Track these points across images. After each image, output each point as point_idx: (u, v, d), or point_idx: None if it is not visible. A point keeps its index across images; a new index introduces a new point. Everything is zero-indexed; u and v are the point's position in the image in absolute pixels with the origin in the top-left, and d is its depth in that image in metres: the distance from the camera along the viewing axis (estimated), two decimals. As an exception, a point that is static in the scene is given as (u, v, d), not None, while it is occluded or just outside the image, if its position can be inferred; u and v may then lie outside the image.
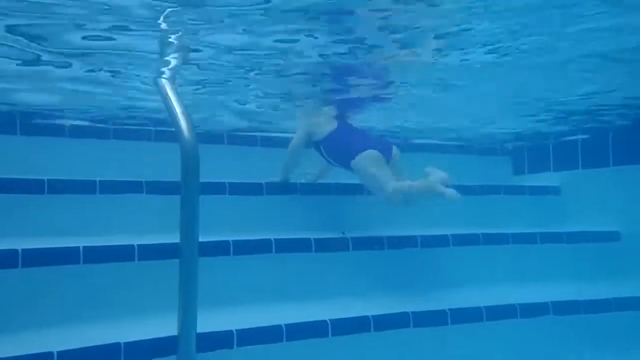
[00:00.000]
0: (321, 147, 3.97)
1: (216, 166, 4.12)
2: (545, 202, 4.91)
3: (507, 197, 4.84)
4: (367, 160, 3.64)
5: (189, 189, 2.66)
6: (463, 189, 4.64)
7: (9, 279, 2.87)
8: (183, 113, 2.72)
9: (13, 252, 2.90)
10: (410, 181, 3.49)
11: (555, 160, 5.16)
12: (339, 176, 4.17)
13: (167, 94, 2.78)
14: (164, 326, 2.66)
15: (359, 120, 4.36)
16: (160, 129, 4.27)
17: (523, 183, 5.14)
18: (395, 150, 3.80)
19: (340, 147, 3.86)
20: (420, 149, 5.25)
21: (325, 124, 4.00)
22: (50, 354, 2.48)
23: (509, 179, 5.34)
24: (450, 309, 3.39)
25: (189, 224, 2.66)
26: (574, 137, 4.95)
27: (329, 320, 3.07)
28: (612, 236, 4.48)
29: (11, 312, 2.82)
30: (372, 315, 3.19)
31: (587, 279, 4.14)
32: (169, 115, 2.76)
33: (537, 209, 4.82)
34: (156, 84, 2.86)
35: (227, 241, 3.40)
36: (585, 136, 4.90)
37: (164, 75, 2.95)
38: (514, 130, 5.01)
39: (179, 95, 2.78)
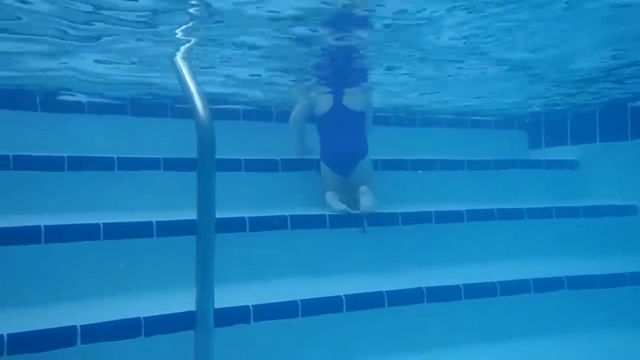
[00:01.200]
0: (317, 125, 4.10)
1: (232, 142, 4.22)
2: (562, 176, 4.90)
3: (523, 171, 4.84)
4: (324, 168, 3.97)
5: (205, 168, 2.70)
6: (479, 164, 4.70)
7: (33, 254, 2.95)
8: (198, 92, 2.75)
9: (36, 228, 2.98)
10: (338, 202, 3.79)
11: (572, 134, 5.12)
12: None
13: (182, 73, 2.80)
14: (183, 301, 2.72)
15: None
16: (178, 105, 4.30)
17: (540, 156, 5.12)
18: (361, 164, 3.93)
19: (321, 136, 4.05)
20: (437, 124, 5.25)
21: (323, 100, 4.04)
22: (74, 327, 2.55)
23: (525, 153, 5.33)
24: (464, 284, 3.42)
25: (205, 202, 2.70)
26: (591, 110, 4.91)
27: (344, 295, 3.12)
28: (629, 210, 4.47)
29: (34, 286, 2.90)
30: (386, 291, 3.23)
31: (603, 253, 4.15)
32: (184, 94, 2.78)
33: (553, 183, 4.82)
34: (172, 62, 2.88)
35: (244, 218, 3.44)
36: (602, 109, 4.85)
37: (179, 54, 2.97)
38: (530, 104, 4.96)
39: (194, 74, 2.80)
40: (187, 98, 2.75)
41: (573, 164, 4.95)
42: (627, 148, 4.64)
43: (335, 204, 3.76)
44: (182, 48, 2.98)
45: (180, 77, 2.80)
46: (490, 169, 4.74)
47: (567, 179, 4.89)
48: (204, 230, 2.68)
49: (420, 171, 4.39)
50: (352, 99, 4.03)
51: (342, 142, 3.98)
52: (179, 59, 2.84)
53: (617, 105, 4.68)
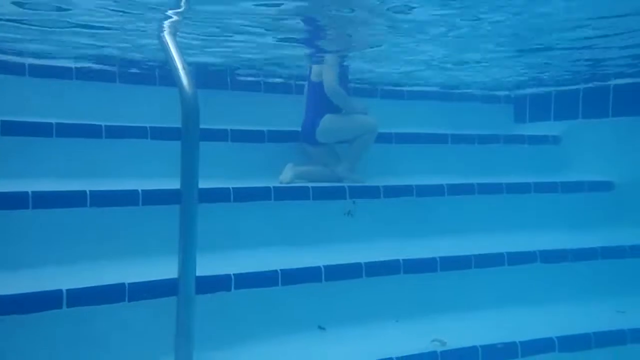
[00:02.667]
0: None
1: (220, 112, 4.29)
2: (545, 152, 5.00)
3: (506, 146, 4.93)
4: None
5: (189, 141, 2.75)
6: (463, 138, 4.79)
7: (21, 219, 3.03)
8: (184, 67, 2.79)
9: (24, 194, 3.06)
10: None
11: (556, 109, 5.20)
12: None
13: (169, 48, 2.84)
14: (166, 268, 2.81)
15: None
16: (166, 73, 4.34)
17: (524, 131, 5.21)
18: (318, 132, 4.07)
19: None
20: (425, 97, 5.32)
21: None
22: (60, 291, 2.65)
23: (510, 127, 5.40)
24: (440, 257, 3.53)
25: (188, 174, 2.75)
26: (575, 87, 4.98)
27: (323, 266, 3.23)
28: (606, 186, 4.59)
29: (22, 251, 2.99)
30: (365, 262, 3.34)
31: (578, 228, 4.28)
32: (171, 69, 2.83)
33: (536, 158, 4.93)
34: (159, 38, 2.92)
35: (228, 188, 3.53)
36: (586, 87, 4.92)
37: (165, 30, 3.01)
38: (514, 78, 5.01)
39: (180, 50, 2.85)
40: (173, 73, 2.80)
41: (555, 140, 5.05)
42: (608, 125, 4.73)
43: (282, 175, 3.91)
44: (168, 23, 3.02)
45: (167, 53, 2.84)
46: (474, 143, 4.84)
47: (549, 154, 4.99)
48: (187, 201, 2.74)
49: (404, 144, 4.46)
50: (315, 71, 4.12)
51: (306, 112, 4.18)
52: (166, 34, 2.88)
53: (600, 83, 4.76)
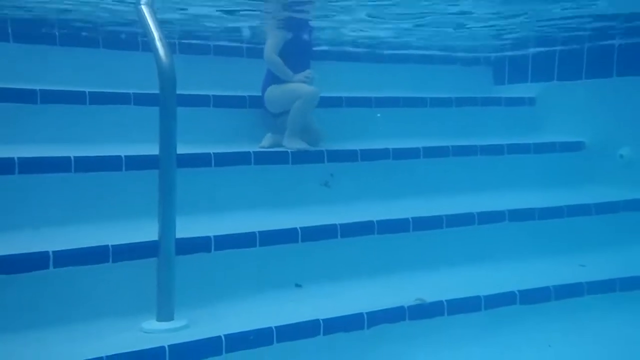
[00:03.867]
0: None
1: (202, 77, 4.40)
2: (520, 113, 5.15)
3: (483, 108, 5.07)
4: None
5: (166, 110, 2.87)
6: (441, 102, 4.92)
7: (7, 183, 3.17)
8: (160, 39, 2.90)
9: (10, 160, 3.19)
10: None
11: (533, 72, 5.32)
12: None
13: (146, 19, 2.93)
14: (149, 231, 2.95)
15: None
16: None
17: (502, 93, 5.34)
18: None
19: None
20: (405, 60, 5.41)
21: None
22: (46, 253, 2.80)
23: (489, 89, 5.53)
24: (412, 217, 3.69)
25: (166, 141, 2.85)
26: (551, 49, 5.08)
27: (299, 227, 3.39)
28: (577, 146, 4.76)
29: (8, 215, 3.12)
30: (340, 224, 3.50)
31: (548, 187, 4.47)
32: (148, 40, 2.93)
33: (512, 119, 5.07)
34: (137, 10, 3.01)
35: (209, 153, 3.67)
36: (562, 48, 5.03)
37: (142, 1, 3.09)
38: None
39: (157, 21, 2.94)
40: (150, 44, 2.90)
41: (531, 101, 5.19)
42: (581, 87, 4.86)
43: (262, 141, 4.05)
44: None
45: (144, 24, 2.94)
46: (452, 106, 4.96)
47: (525, 116, 5.14)
48: (165, 166, 2.87)
49: (379, 115, 4.56)
50: None
51: None
52: (142, 6, 2.97)
53: (575, 46, 4.86)
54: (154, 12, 2.96)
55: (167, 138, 2.89)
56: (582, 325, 3.36)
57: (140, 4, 2.97)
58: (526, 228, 3.97)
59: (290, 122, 4.03)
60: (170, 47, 2.92)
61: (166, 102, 2.87)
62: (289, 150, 3.94)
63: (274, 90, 4.12)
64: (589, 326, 3.36)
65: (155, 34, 2.92)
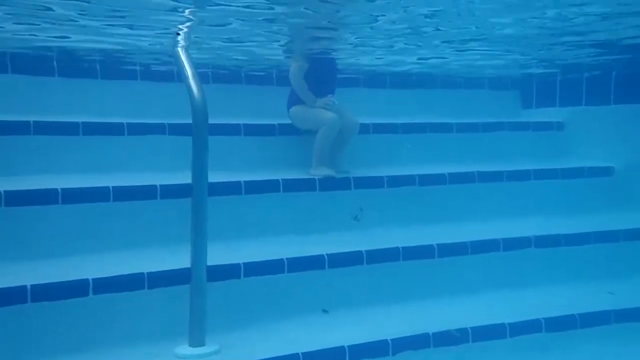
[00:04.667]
0: None
1: (234, 105, 4.56)
2: (548, 138, 5.17)
3: (511, 133, 5.10)
4: None
5: (199, 142, 3.04)
6: (468, 127, 4.98)
7: (50, 213, 3.36)
8: (194, 76, 3.07)
9: (54, 191, 3.38)
10: None
11: (561, 96, 5.35)
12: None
13: (181, 60, 3.13)
14: (183, 257, 3.10)
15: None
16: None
17: (531, 117, 5.38)
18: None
19: None
20: (432, 86, 5.48)
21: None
22: (86, 280, 2.97)
23: (517, 113, 5.56)
24: (437, 244, 3.77)
25: (199, 173, 3.04)
26: (579, 75, 5.12)
27: (326, 254, 3.49)
28: (606, 171, 4.77)
29: (48, 243, 3.30)
30: (365, 250, 3.60)
31: (576, 213, 4.48)
32: (183, 79, 3.11)
33: (539, 144, 5.10)
34: (173, 53, 3.19)
35: (239, 182, 3.81)
36: (589, 74, 5.06)
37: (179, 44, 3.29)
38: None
39: (191, 62, 3.12)
40: (184, 82, 3.08)
41: (559, 126, 5.21)
42: (609, 112, 4.88)
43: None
44: (181, 37, 3.30)
45: (179, 64, 3.13)
46: (479, 131, 5.02)
47: (553, 140, 5.16)
48: (197, 197, 3.03)
49: (408, 145, 4.65)
50: None
51: None
52: (179, 49, 3.16)
53: (603, 72, 4.89)
54: (187, 54, 3.14)
55: (199, 169, 3.05)
56: (608, 355, 3.37)
57: (176, 47, 3.17)
58: (552, 254, 4.01)
59: (315, 150, 4.17)
60: (203, 80, 3.09)
61: (198, 135, 3.04)
62: (316, 178, 4.05)
63: (297, 111, 4.30)
64: (615, 356, 3.37)
65: (189, 73, 3.10)
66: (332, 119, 4.16)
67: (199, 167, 3.02)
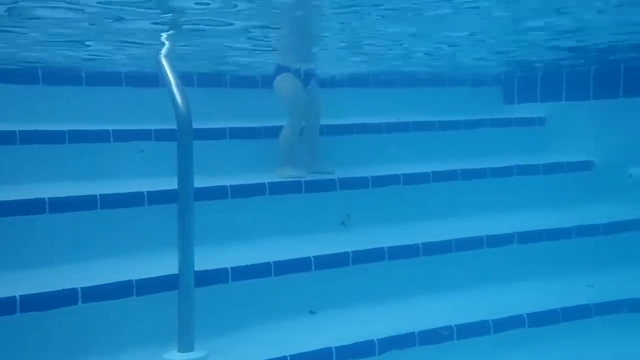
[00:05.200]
0: None
1: (220, 109, 4.60)
2: (530, 133, 5.26)
3: (493, 129, 5.18)
4: None
5: (183, 150, 3.07)
6: (451, 125, 5.05)
7: (38, 223, 3.38)
8: (177, 86, 3.11)
9: (41, 200, 3.41)
10: None
11: (542, 92, 5.42)
12: (330, 119, 4.57)
13: (165, 69, 3.16)
14: (172, 263, 3.13)
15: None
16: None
17: (513, 112, 5.45)
18: None
19: None
20: (416, 84, 5.53)
21: None
22: (75, 290, 3.00)
23: (499, 109, 5.62)
24: (422, 243, 3.84)
25: (184, 181, 3.05)
26: (558, 70, 5.19)
27: (312, 256, 3.55)
28: (586, 165, 4.86)
29: (37, 252, 3.33)
30: (351, 251, 3.66)
31: (558, 208, 4.56)
32: (166, 88, 3.14)
33: (521, 140, 5.17)
34: (157, 60, 3.22)
35: (225, 186, 3.85)
36: (569, 70, 5.13)
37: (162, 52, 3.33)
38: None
39: (174, 70, 3.15)
40: (168, 91, 3.11)
41: (541, 121, 5.30)
42: (589, 107, 4.96)
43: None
44: (165, 48, 3.34)
45: (163, 73, 3.16)
46: (462, 128, 5.09)
47: (535, 136, 5.25)
48: (183, 205, 3.06)
49: (395, 147, 4.72)
50: None
51: None
52: (162, 57, 3.19)
53: (582, 68, 4.97)
54: (171, 63, 3.17)
55: (185, 177, 3.08)
56: (590, 348, 3.45)
57: (160, 55, 3.20)
58: (535, 250, 4.09)
59: (280, 147, 4.25)
60: (187, 83, 3.14)
61: (183, 143, 3.07)
62: (301, 180, 4.11)
63: (280, 82, 4.32)
64: (596, 348, 3.45)
65: (173, 82, 3.13)
66: (298, 113, 4.24)
67: (185, 175, 3.06)
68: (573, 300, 3.69)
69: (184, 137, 3.07)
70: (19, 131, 3.85)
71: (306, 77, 4.33)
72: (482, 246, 3.98)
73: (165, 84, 3.15)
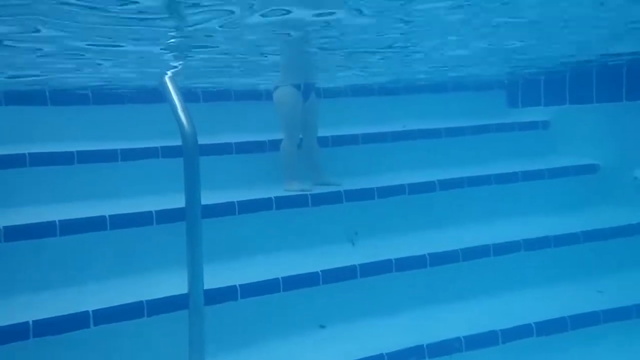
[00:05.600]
0: None
1: (225, 122, 4.64)
2: (535, 137, 5.26)
3: (498, 134, 5.19)
4: None
5: (190, 171, 3.08)
6: (456, 131, 5.07)
7: (49, 245, 3.44)
8: (183, 109, 3.14)
9: (52, 224, 3.46)
10: None
11: (545, 95, 5.43)
12: (335, 129, 4.60)
13: (169, 90, 3.19)
14: (180, 281, 3.15)
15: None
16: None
17: (517, 116, 5.46)
18: None
19: None
20: (420, 90, 5.55)
21: None
22: (86, 313, 3.06)
23: (504, 112, 5.63)
24: (429, 253, 3.86)
25: (192, 199, 3.06)
26: (561, 73, 5.20)
27: (320, 271, 3.59)
28: (591, 169, 4.86)
29: (48, 275, 3.38)
30: (359, 264, 3.69)
31: (563, 212, 4.58)
32: (171, 110, 3.18)
33: (526, 143, 5.19)
34: (161, 82, 3.26)
35: (233, 202, 3.89)
36: (572, 74, 5.14)
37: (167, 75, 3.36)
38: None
39: (179, 92, 3.19)
40: (174, 113, 3.15)
41: (545, 125, 5.30)
42: (593, 110, 4.97)
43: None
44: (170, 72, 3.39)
45: (168, 95, 3.19)
46: (467, 134, 5.10)
47: (539, 139, 5.25)
48: (191, 224, 3.07)
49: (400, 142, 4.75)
50: None
51: None
52: (167, 78, 3.22)
53: (584, 72, 4.97)
54: (175, 84, 3.21)
55: (192, 196, 3.09)
56: (599, 355, 3.47)
57: (164, 77, 3.24)
58: (542, 256, 4.11)
59: (283, 163, 4.30)
60: (192, 98, 3.16)
61: (190, 163, 3.08)
62: (307, 193, 4.14)
63: (279, 95, 4.35)
64: (606, 356, 3.47)
65: (178, 104, 3.16)
66: (293, 127, 4.29)
67: (192, 195, 3.06)
68: (581, 307, 3.70)
69: (190, 158, 3.08)
70: (29, 154, 3.91)
71: (306, 90, 4.36)
72: (489, 255, 4.00)
73: (170, 105, 3.18)
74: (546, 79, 5.40)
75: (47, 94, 4.48)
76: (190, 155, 3.10)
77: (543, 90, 5.43)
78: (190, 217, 3.11)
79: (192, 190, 3.10)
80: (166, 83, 3.25)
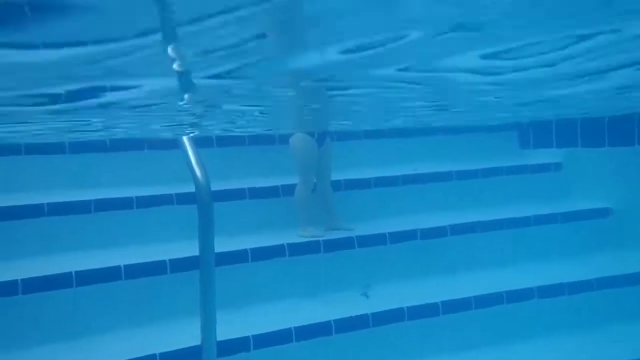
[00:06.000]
0: None
1: (239, 167, 4.71)
2: (547, 179, 5.28)
3: (510, 177, 5.21)
4: None
5: (204, 220, 3.16)
6: (467, 174, 5.09)
7: (65, 297, 3.50)
8: (197, 162, 3.22)
9: (68, 275, 3.53)
10: None
11: (557, 137, 5.45)
12: (347, 173, 4.65)
13: (186, 146, 3.28)
14: (193, 331, 3.20)
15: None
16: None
17: (529, 158, 5.47)
18: None
19: None
20: (432, 133, 5.59)
21: None
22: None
23: (515, 153, 5.65)
24: (442, 301, 3.88)
25: (206, 251, 3.16)
26: (573, 118, 5.22)
27: (333, 320, 3.61)
28: (604, 212, 4.85)
29: (64, 326, 3.43)
30: (371, 313, 3.71)
31: (577, 257, 4.57)
32: (187, 164, 3.26)
33: (539, 186, 5.20)
34: (180, 140, 3.36)
35: (246, 250, 3.94)
36: (583, 118, 5.16)
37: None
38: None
39: (195, 149, 3.27)
40: (189, 166, 3.23)
41: (557, 167, 5.32)
42: (604, 154, 4.98)
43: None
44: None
45: (184, 150, 3.28)
46: (479, 177, 5.13)
47: (552, 181, 5.27)
48: (205, 274, 3.14)
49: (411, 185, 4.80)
50: None
51: None
52: (184, 137, 3.32)
53: (596, 115, 4.99)
54: (192, 141, 3.30)
55: (206, 246, 3.16)
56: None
57: (182, 136, 3.34)
58: (556, 304, 4.09)
59: (297, 209, 4.36)
60: (206, 144, 3.27)
61: (204, 214, 3.16)
62: (320, 239, 4.18)
63: (295, 142, 4.44)
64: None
65: (193, 158, 3.25)
66: (308, 172, 4.36)
67: (206, 245, 3.13)
68: (598, 357, 3.67)
69: (204, 208, 3.16)
70: (47, 204, 3.99)
71: (320, 136, 4.43)
72: (502, 302, 4.00)
73: (185, 158, 3.26)
74: (558, 121, 5.42)
75: (66, 143, 4.59)
76: (204, 207, 3.17)
77: (555, 132, 5.45)
78: (204, 266, 3.16)
79: (206, 240, 3.16)
80: (183, 140, 3.34)
